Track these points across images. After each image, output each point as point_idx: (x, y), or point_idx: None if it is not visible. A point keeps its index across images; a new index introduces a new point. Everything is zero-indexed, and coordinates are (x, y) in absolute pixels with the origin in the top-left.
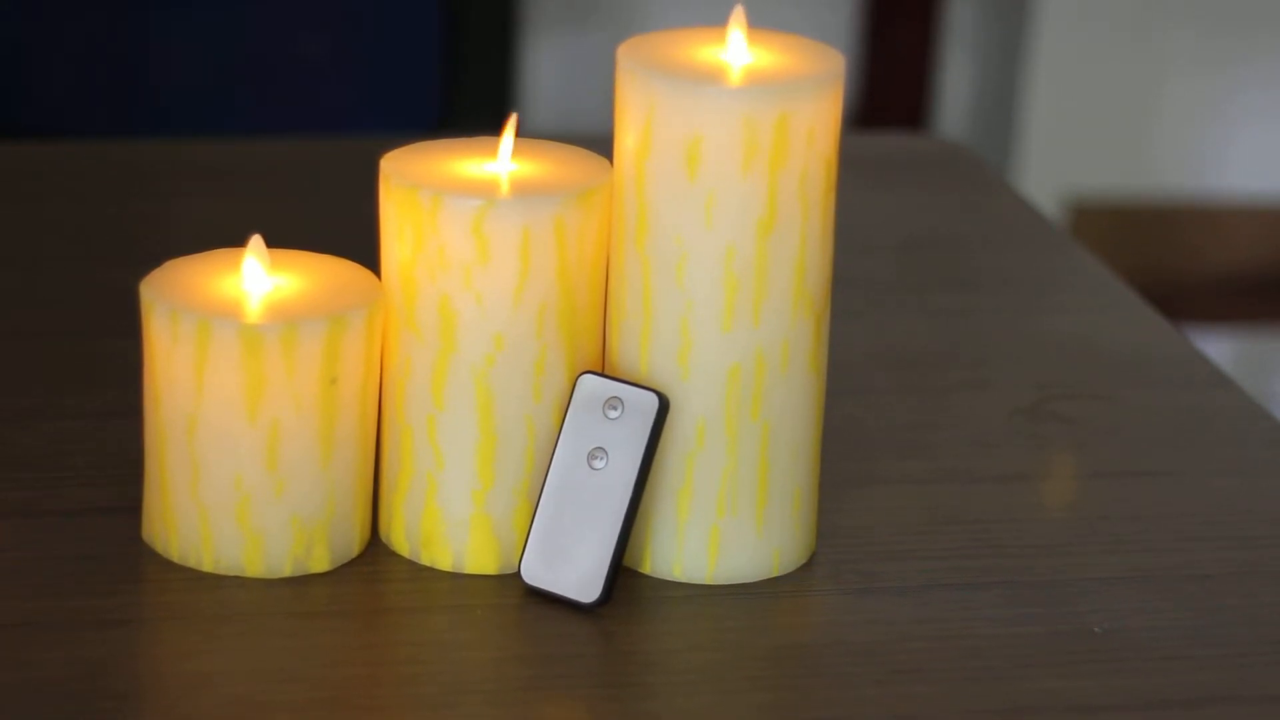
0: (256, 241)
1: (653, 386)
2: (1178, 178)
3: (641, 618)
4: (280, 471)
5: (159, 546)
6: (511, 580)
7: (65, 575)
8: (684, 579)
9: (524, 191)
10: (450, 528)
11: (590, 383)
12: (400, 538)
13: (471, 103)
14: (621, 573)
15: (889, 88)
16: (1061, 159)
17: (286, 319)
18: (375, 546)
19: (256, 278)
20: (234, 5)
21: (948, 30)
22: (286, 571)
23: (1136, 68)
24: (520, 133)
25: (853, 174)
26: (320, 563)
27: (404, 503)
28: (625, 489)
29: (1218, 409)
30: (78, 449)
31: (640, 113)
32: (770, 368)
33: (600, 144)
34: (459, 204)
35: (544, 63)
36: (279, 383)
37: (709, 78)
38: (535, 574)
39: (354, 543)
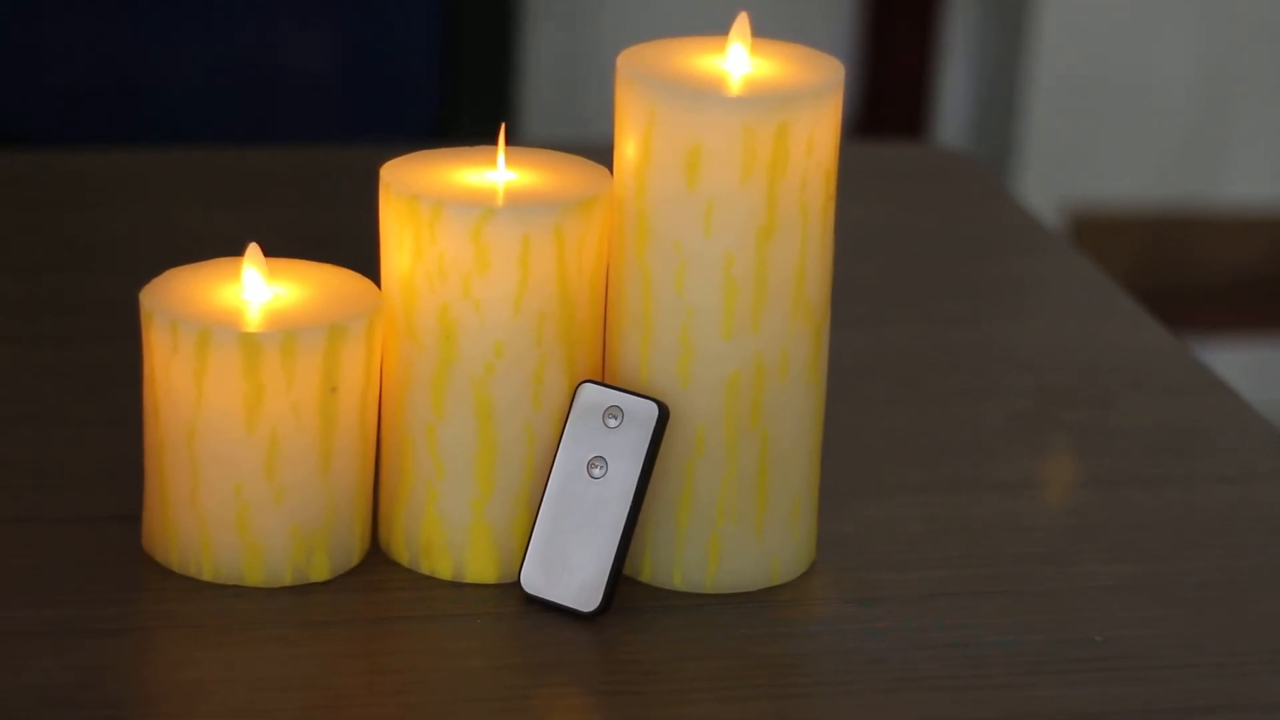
0: (255, 250)
1: (652, 395)
2: (1177, 186)
3: (641, 626)
4: (280, 480)
5: (158, 555)
6: (511, 589)
7: (65, 583)
8: (684, 587)
9: (523, 200)
10: (450, 536)
11: (590, 392)
12: (400, 546)
13: (470, 105)
14: (621, 581)
15: (889, 96)
16: (1061, 167)
17: (286, 328)
18: (375, 555)
19: (256, 287)
20: (233, 13)
21: (948, 39)
22: (286, 580)
23: (1136, 76)
24: (519, 136)
25: (853, 182)
26: (320, 571)
27: (404, 511)
28: (625, 498)
29: (1217, 416)
30: (78, 457)
31: (640, 121)
32: (770, 376)
33: (600, 153)
34: (458, 213)
35: (543, 61)
36: (278, 392)
37: (709, 86)
38: (535, 583)
39: (354, 552)
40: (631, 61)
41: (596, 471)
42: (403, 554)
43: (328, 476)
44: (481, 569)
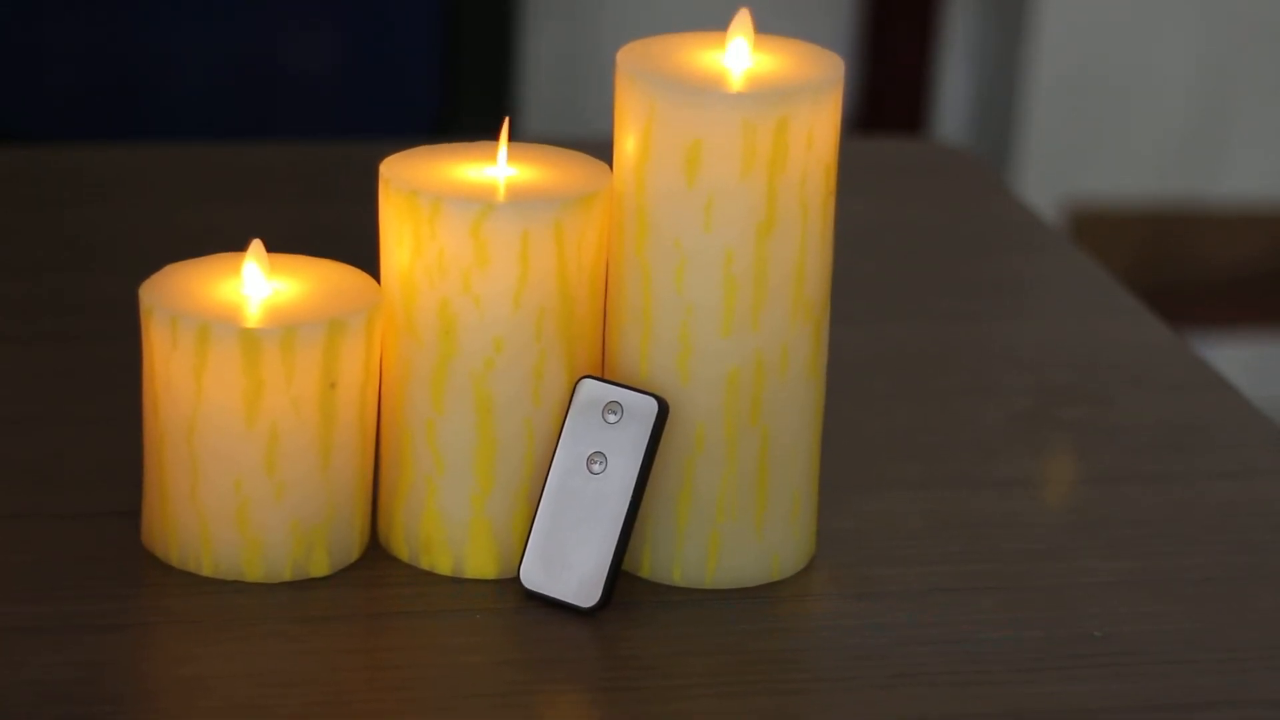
0: (256, 246)
1: (652, 391)
2: (1176, 182)
3: (641, 622)
4: (279, 476)
5: (158, 551)
6: (511, 584)
7: (64, 579)
8: (683, 583)
9: (523, 196)
10: (449, 532)
11: (590, 387)
12: (400, 542)
13: (471, 104)
14: (621, 577)
15: (889, 93)
16: (1060, 164)
17: (286, 323)
18: (375, 551)
19: (256, 282)
20: (234, 9)
21: (947, 35)
22: (286, 576)
23: (1135, 74)
24: (520, 134)
25: (853, 178)
26: (320, 567)
27: (403, 507)
28: (624, 494)
29: (1217, 413)
30: (77, 453)
31: (640, 117)
32: (770, 372)
33: (600, 149)
34: (458, 208)
35: (543, 59)
36: (278, 387)
37: (708, 82)
38: (534, 578)
39: (353, 547)
40: (631, 57)
41: (596, 467)
42: (402, 549)
43: (327, 472)
44: (481, 564)
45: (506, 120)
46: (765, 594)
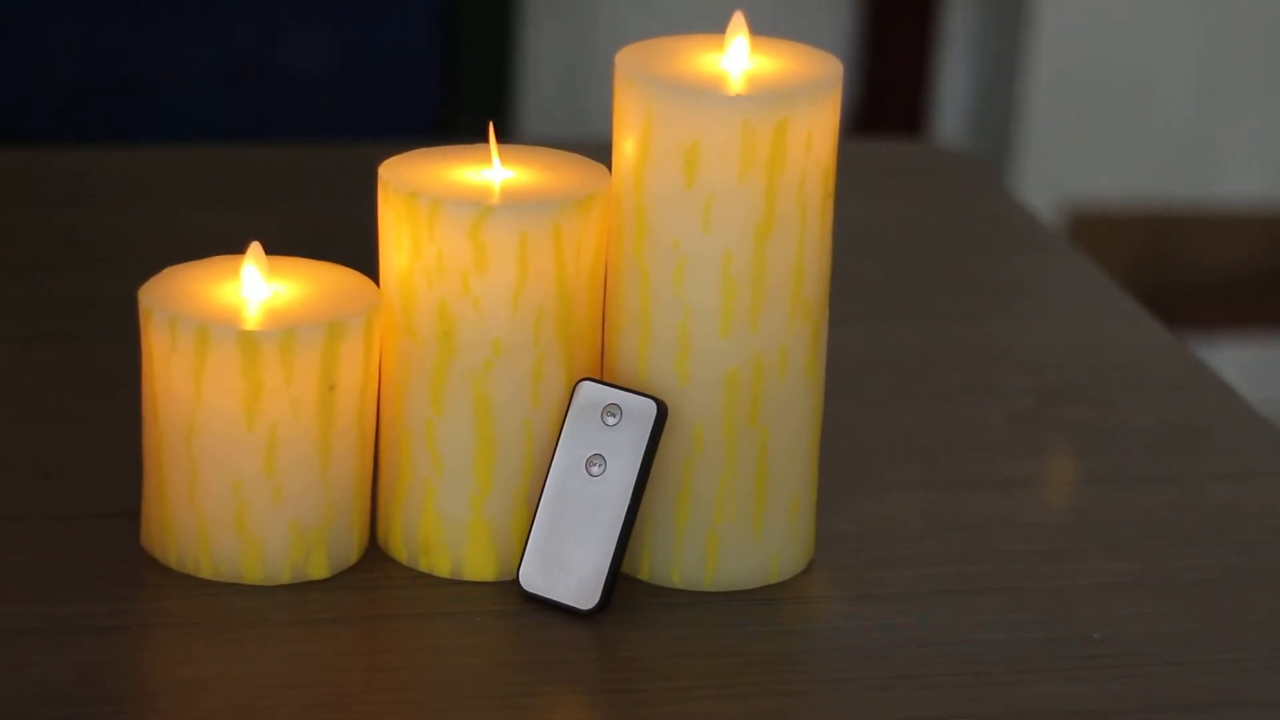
0: (255, 248)
1: (651, 393)
2: (1175, 183)
3: (640, 624)
4: (279, 478)
5: (157, 553)
6: (510, 586)
7: (64, 580)
8: (682, 585)
9: (522, 198)
10: (448, 534)
11: (588, 389)
12: (399, 544)
13: (470, 104)
14: (620, 579)
15: (888, 94)
16: (1059, 165)
17: (285, 326)
18: (374, 553)
19: (255, 285)
20: (234, 9)
21: (946, 36)
22: (285, 578)
23: (1134, 73)
24: (519, 136)
25: (851, 179)
26: (319, 569)
27: (402, 509)
28: (623, 496)
29: (1215, 414)
30: (77, 456)
31: (639, 119)
32: (768, 373)
33: (599, 151)
34: (457, 210)
35: (543, 60)
36: (277, 389)
37: (707, 84)
38: (533, 580)
39: (352, 549)
40: (630, 59)
41: (595, 469)
42: (401, 551)
43: (326, 474)
44: (480, 566)
45: (491, 125)
46: (764, 596)
